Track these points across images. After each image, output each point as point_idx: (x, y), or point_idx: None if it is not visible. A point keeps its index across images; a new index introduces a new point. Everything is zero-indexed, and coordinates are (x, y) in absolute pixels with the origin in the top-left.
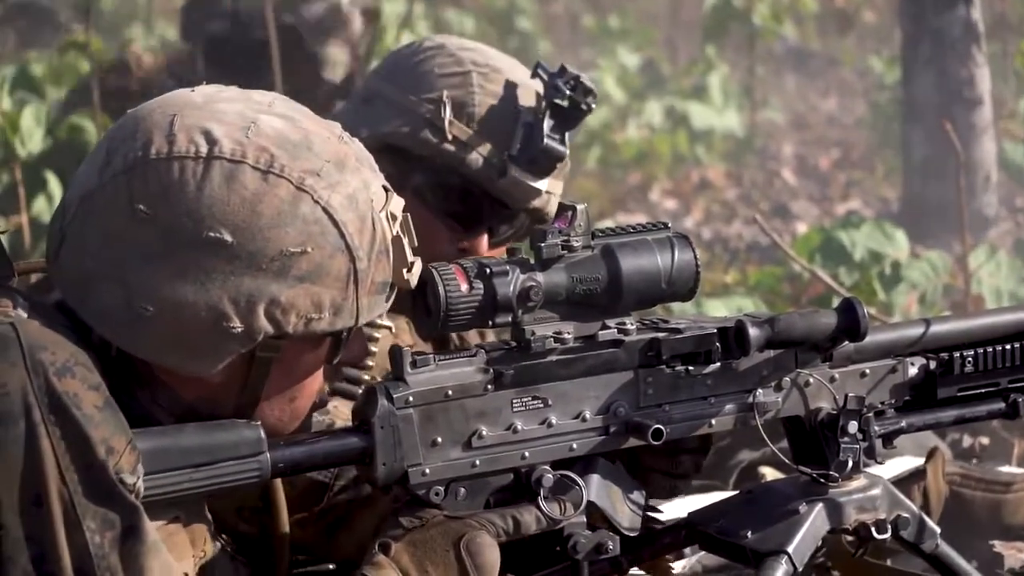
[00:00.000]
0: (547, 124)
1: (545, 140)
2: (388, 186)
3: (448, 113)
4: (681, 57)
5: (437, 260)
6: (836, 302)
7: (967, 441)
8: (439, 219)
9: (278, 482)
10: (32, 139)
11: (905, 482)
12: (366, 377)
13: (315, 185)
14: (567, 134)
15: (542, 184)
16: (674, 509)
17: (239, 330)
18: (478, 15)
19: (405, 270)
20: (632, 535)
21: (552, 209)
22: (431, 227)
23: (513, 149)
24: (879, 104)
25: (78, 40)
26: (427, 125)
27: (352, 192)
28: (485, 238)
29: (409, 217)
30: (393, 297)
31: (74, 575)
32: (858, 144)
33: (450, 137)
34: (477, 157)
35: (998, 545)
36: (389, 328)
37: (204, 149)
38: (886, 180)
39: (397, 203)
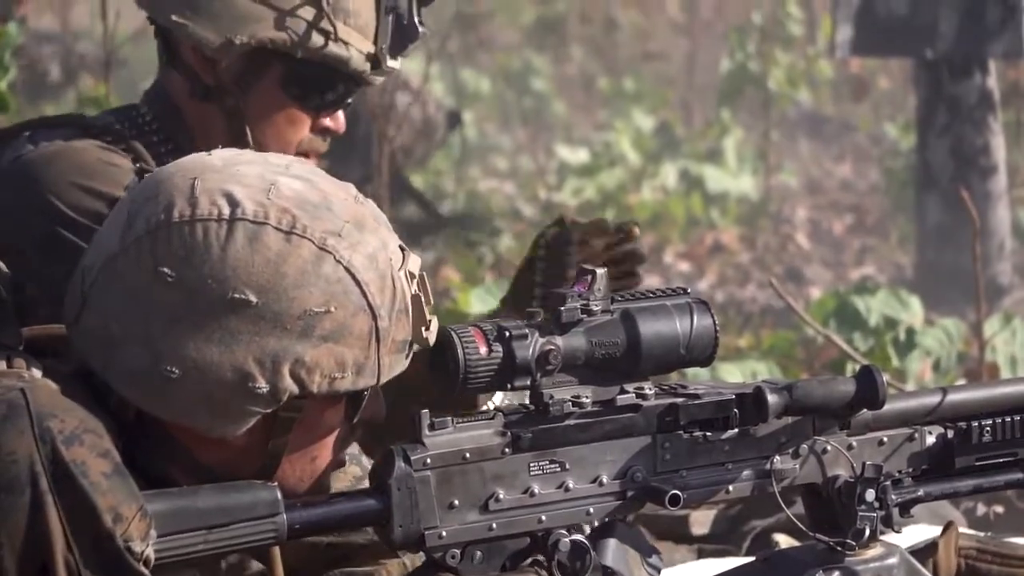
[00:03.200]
0: (413, 8)
1: (414, 21)
2: (404, 246)
3: (329, 14)
4: (695, 120)
5: (302, 146)
6: (850, 367)
7: (981, 510)
8: (299, 104)
9: (276, 550)
10: None
11: (918, 555)
12: None
13: (337, 245)
14: (423, 10)
15: (397, 63)
16: (690, 573)
17: (264, 390)
18: (494, 75)
19: (423, 328)
20: None
21: None
22: (292, 114)
23: (385, 41)
24: (893, 170)
25: (97, 94)
26: (313, 29)
27: (372, 252)
28: (341, 113)
29: (426, 276)
30: (411, 355)
31: None
32: (872, 210)
33: (335, 38)
34: (359, 55)
35: None
36: None
37: (227, 211)
38: (900, 246)
39: (414, 262)
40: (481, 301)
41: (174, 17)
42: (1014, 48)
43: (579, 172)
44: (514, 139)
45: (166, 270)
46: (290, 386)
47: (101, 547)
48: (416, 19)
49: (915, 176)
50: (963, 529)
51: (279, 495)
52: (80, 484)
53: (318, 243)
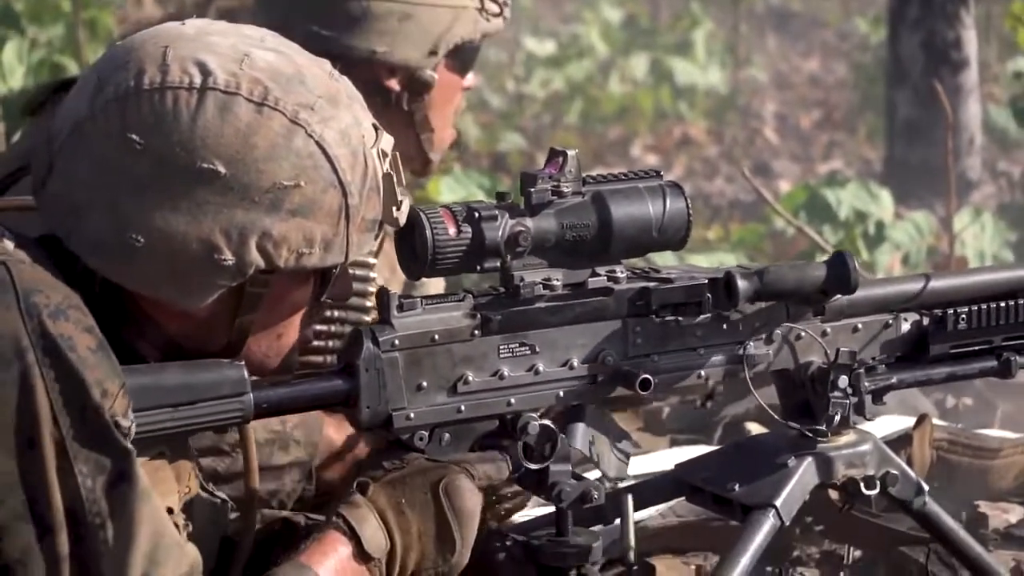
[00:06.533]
0: None
1: None
2: (378, 124)
3: None
4: (663, 13)
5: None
6: (820, 259)
7: (950, 402)
8: (460, 74)
9: (250, 429)
10: (14, 75)
11: (891, 446)
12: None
13: (309, 119)
14: None
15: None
16: (660, 460)
17: (230, 263)
18: None
19: (394, 208)
20: (619, 484)
21: None
22: (457, 84)
23: None
24: (862, 65)
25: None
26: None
27: (345, 128)
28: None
29: (399, 156)
30: (380, 234)
31: (65, 518)
32: (840, 104)
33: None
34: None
35: (983, 506)
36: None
37: (198, 80)
38: (867, 141)
39: (387, 140)
40: (450, 190)
41: (379, 48)
42: None
43: (547, 64)
44: None
45: (134, 137)
46: (256, 259)
47: (89, 421)
48: None
49: (885, 70)
50: (935, 421)
51: (245, 374)
52: (68, 358)
53: (290, 116)
